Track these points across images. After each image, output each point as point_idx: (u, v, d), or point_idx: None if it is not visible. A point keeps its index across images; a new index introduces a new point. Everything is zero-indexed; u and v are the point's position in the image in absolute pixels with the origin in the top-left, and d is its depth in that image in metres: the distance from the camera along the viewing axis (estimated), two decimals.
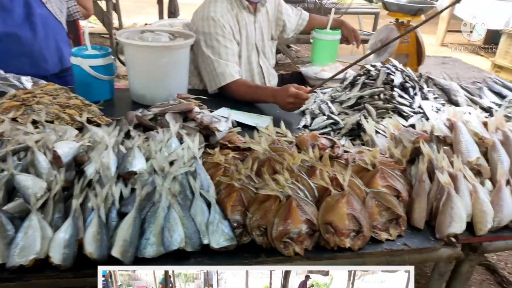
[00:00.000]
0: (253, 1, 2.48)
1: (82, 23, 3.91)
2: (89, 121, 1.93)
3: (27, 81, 2.33)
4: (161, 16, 6.86)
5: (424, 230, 1.41)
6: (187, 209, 1.33)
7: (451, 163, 1.51)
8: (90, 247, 1.19)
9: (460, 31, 9.60)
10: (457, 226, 1.34)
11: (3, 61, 2.44)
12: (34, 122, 1.77)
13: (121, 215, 1.30)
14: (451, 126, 1.70)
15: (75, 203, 1.28)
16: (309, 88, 2.13)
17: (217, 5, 2.41)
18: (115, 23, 7.07)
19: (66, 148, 1.46)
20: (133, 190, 1.38)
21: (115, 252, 1.19)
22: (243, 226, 1.32)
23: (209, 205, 1.34)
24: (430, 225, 1.42)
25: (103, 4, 6.37)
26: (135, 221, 1.25)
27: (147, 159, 1.49)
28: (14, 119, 1.81)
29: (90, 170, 1.42)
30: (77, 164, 1.50)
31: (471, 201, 1.41)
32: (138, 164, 1.43)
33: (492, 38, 8.40)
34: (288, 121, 2.18)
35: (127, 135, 1.74)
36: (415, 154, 1.64)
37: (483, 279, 2.68)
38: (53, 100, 2.00)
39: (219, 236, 1.27)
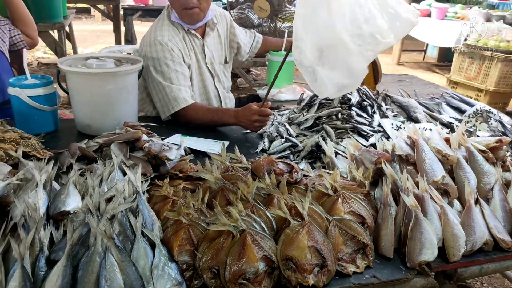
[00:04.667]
0: (191, 27, 2.41)
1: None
2: (28, 156, 1.75)
3: None
4: (118, 44, 6.72)
5: (393, 258, 1.29)
6: (128, 252, 1.16)
7: (416, 183, 1.42)
8: None
9: (414, 50, 10.00)
10: (429, 252, 1.23)
11: None
12: None
13: (52, 264, 1.11)
14: (413, 144, 1.62)
15: None
16: (269, 103, 2.10)
17: (164, 29, 2.34)
18: (71, 53, 6.85)
19: None
20: (66, 233, 1.20)
21: None
22: (193, 268, 1.16)
23: (153, 246, 1.18)
24: (399, 252, 1.32)
25: (55, 34, 6.16)
26: (65, 270, 1.07)
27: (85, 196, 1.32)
28: None
29: (15, 213, 1.24)
30: (3, 207, 1.31)
31: (441, 224, 1.31)
32: (72, 202, 1.26)
33: (445, 56, 8.76)
34: (245, 145, 2.07)
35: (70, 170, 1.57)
36: (378, 176, 1.55)
37: None
38: None
39: (165, 281, 1.11)
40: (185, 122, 2.32)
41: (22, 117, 2.08)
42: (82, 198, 1.32)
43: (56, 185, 1.42)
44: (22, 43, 2.82)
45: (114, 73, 2.07)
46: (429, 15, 7.99)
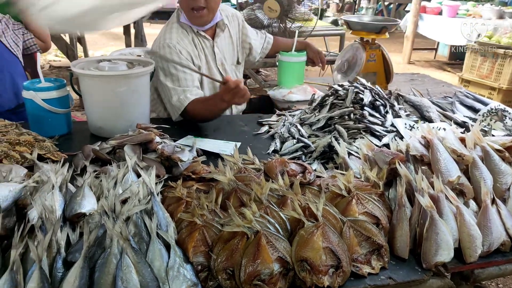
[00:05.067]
0: (200, 28, 2.41)
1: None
2: (42, 158, 1.78)
3: None
4: (128, 47, 6.76)
5: (409, 259, 1.28)
6: (143, 253, 1.17)
7: (431, 184, 1.40)
8: None
9: (425, 49, 9.90)
10: (445, 253, 1.22)
11: None
12: None
13: (68, 265, 1.13)
14: (427, 144, 1.60)
15: (13, 254, 1.11)
16: (228, 76, 2.13)
17: (173, 32, 2.37)
18: (82, 55, 6.92)
19: (5, 191, 1.29)
20: (82, 235, 1.21)
21: None
22: (208, 269, 1.17)
23: (168, 247, 1.19)
24: (415, 253, 1.31)
25: (67, 37, 6.23)
26: (82, 271, 1.08)
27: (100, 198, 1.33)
28: None
29: (32, 215, 1.25)
30: (20, 209, 1.33)
31: (457, 225, 1.30)
32: (87, 204, 1.27)
33: (456, 54, 8.67)
34: (257, 146, 2.07)
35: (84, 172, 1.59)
36: (392, 176, 1.53)
37: None
38: (2, 138, 1.84)
39: (181, 282, 1.11)
40: (194, 120, 2.32)
41: (36, 120, 2.11)
42: (97, 200, 1.34)
43: (71, 187, 1.43)
44: (35, 46, 2.86)
45: (127, 75, 2.09)
46: (440, 13, 7.92)
